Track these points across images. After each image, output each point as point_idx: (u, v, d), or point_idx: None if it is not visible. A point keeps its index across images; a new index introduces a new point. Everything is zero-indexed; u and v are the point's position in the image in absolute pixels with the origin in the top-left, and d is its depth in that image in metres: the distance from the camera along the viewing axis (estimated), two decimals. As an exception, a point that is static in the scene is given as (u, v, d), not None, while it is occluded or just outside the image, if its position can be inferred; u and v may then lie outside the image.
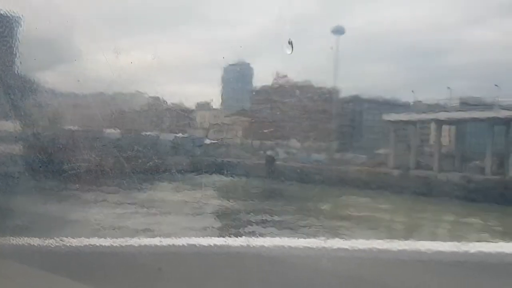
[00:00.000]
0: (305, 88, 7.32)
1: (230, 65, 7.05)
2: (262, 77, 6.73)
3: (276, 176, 8.00)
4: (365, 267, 1.72)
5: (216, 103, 7.91)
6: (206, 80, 6.91)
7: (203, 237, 2.10)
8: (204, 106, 7.96)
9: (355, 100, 8.22)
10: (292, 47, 2.66)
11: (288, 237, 1.95)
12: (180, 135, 7.97)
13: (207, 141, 8.20)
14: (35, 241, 2.18)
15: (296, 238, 1.91)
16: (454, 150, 10.63)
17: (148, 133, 7.69)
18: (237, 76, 6.82)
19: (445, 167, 10.36)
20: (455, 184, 9.49)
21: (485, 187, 9.39)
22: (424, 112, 9.83)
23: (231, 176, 7.37)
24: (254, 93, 7.10)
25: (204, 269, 1.92)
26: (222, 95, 7.41)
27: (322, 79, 7.05)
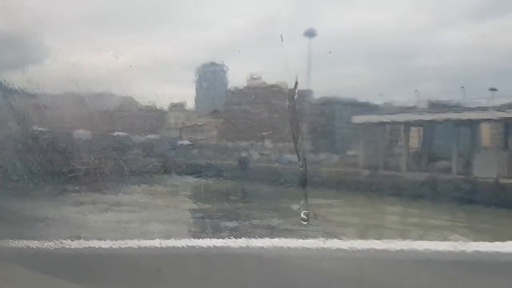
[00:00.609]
0: (278, 90, 7.35)
1: (204, 66, 7.01)
2: (236, 79, 6.72)
3: (249, 177, 8.01)
4: (363, 268, 1.74)
5: (190, 104, 7.84)
6: (180, 81, 6.85)
7: (202, 238, 2.08)
8: (177, 107, 7.88)
9: (328, 102, 8.35)
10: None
11: (276, 237, 1.96)
12: (153, 136, 7.85)
13: (180, 143, 8.12)
14: (34, 244, 2.18)
15: (296, 239, 1.91)
16: (422, 151, 10.92)
17: (119, 134, 7.53)
18: (211, 77, 6.79)
19: (412, 167, 10.63)
20: (421, 183, 9.75)
21: (450, 186, 9.73)
22: (393, 114, 10.07)
23: (204, 178, 7.30)
24: (228, 95, 7.08)
25: (203, 271, 1.92)
26: (196, 96, 7.37)
27: (295, 81, 7.08)
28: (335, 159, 8.80)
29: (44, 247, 2.16)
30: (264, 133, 7.88)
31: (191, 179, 7.04)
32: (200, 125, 8.02)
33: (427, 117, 9.71)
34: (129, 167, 5.92)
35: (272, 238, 1.95)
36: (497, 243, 1.75)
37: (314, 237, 1.99)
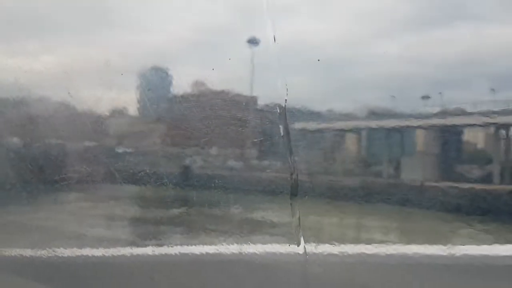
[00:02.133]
0: (224, 97, 7.32)
1: (147, 71, 6.82)
2: (181, 85, 6.60)
3: (191, 184, 7.93)
4: (355, 272, 1.77)
5: (132, 110, 7.59)
6: (122, 86, 6.61)
7: (195, 245, 2.06)
8: (119, 113, 7.59)
9: (272, 108, 8.45)
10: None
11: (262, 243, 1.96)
12: (91, 143, 7.51)
13: (121, 150, 7.83)
14: (27, 252, 2.08)
15: (288, 245, 1.92)
16: (357, 157, 11.44)
17: (55, 141, 7.13)
18: (155, 83, 6.63)
19: (347, 172, 11.07)
20: (355, 187, 10.19)
21: (379, 189, 10.32)
22: (331, 121, 10.41)
23: (144, 186, 7.12)
24: (172, 101, 6.93)
25: (196, 278, 1.91)
26: (138, 102, 7.14)
27: (240, 88, 7.11)
28: (278, 165, 8.92)
29: (36, 255, 2.15)
30: (208, 140, 7.80)
31: (129, 187, 6.83)
32: (143, 132, 7.79)
33: (364, 123, 10.16)
34: (62, 176, 5.66)
35: (264, 243, 1.96)
36: (485, 246, 1.84)
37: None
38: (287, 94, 4.93)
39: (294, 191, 7.20)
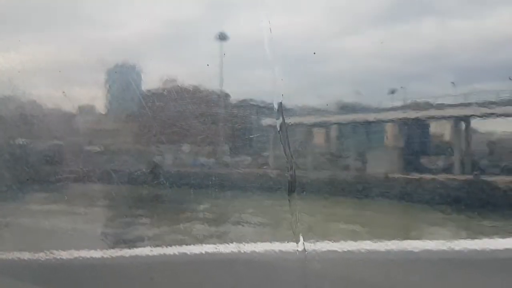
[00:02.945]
0: (194, 93, 7.28)
1: (115, 67, 6.68)
2: (150, 81, 6.50)
3: (160, 182, 7.87)
4: (354, 268, 1.81)
5: (101, 108, 7.43)
6: (90, 83, 6.44)
7: (194, 245, 2.05)
8: (87, 111, 7.42)
9: (244, 104, 8.45)
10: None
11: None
12: (57, 142, 7.31)
13: (89, 148, 7.67)
14: (25, 255, 2.11)
15: (286, 242, 1.94)
16: (326, 151, 11.66)
17: (19, 141, 6.90)
18: (124, 79, 6.48)
19: (316, 166, 11.28)
20: (323, 180, 10.41)
21: (345, 181, 10.62)
22: (301, 116, 10.54)
23: (112, 184, 7.01)
24: (142, 97, 6.81)
25: (196, 277, 1.91)
26: (107, 99, 6.99)
27: (210, 84, 7.09)
28: (249, 161, 8.99)
29: (34, 258, 2.11)
30: (179, 137, 7.75)
31: (98, 186, 6.71)
32: (111, 130, 7.64)
33: (333, 118, 10.36)
34: (27, 176, 5.55)
35: (262, 242, 1.98)
36: (485, 240, 1.89)
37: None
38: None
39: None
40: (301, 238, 1.89)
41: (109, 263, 2.01)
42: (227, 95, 8.95)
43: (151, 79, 7.05)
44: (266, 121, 10.42)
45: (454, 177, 11.16)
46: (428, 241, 1.98)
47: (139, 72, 7.18)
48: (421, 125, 11.08)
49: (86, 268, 2.01)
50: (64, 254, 2.12)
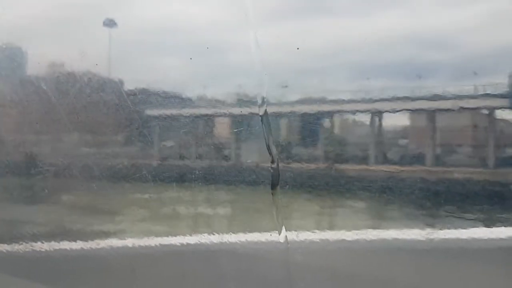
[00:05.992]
0: (85, 79, 6.59)
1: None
2: (35, 65, 5.68)
3: (34, 174, 7.13)
4: (336, 259, 1.78)
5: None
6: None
7: (176, 236, 1.86)
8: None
9: (142, 93, 7.94)
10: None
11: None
12: None
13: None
14: (3, 247, 2.06)
15: (269, 233, 1.83)
16: (216, 142, 11.78)
17: None
18: (6, 63, 5.54)
19: (202, 157, 11.39)
20: (200, 169, 10.58)
21: (219, 171, 11.05)
22: (203, 107, 10.40)
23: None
24: (24, 82, 5.91)
25: (178, 269, 1.75)
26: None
27: (104, 70, 6.51)
28: (149, 151, 8.63)
29: (13, 250, 2.07)
30: (67, 126, 7.00)
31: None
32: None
33: (234, 111, 10.46)
34: None
35: (245, 233, 1.89)
36: (463, 230, 1.99)
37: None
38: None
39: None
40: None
41: (90, 255, 2.02)
42: (119, 82, 8.30)
43: (38, 62, 6.11)
44: (166, 111, 10.11)
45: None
46: (407, 230, 2.08)
47: (25, 55, 6.24)
48: (312, 119, 11.75)
49: (66, 260, 2.03)
50: (44, 246, 2.07)
